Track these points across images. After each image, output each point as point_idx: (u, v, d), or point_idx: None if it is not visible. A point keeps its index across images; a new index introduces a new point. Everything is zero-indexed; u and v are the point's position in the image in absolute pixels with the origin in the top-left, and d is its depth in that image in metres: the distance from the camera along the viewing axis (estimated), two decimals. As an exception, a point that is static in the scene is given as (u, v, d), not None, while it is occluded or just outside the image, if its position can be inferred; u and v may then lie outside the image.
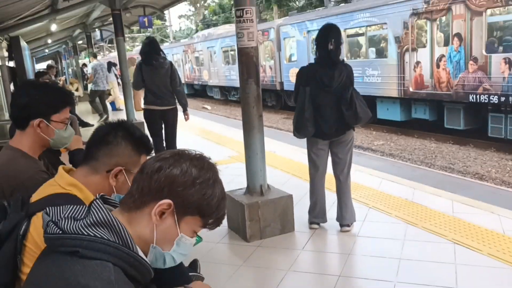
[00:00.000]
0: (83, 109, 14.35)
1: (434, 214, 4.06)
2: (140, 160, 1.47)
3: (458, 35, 9.40)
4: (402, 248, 3.46)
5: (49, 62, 29.01)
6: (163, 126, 5.75)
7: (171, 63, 5.73)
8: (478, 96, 9.06)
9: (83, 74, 20.93)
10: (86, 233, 1.00)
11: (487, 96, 8.89)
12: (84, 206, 1.11)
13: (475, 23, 9.01)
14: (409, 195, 4.63)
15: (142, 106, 5.90)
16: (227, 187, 3.42)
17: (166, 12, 34.75)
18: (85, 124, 10.16)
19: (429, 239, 3.60)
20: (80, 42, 20.45)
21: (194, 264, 1.79)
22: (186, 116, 5.99)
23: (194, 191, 1.08)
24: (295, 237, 3.85)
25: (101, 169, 1.46)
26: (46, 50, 25.38)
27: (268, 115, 15.23)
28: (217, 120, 13.09)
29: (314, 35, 13.22)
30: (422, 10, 10.13)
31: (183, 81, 25.99)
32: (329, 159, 3.90)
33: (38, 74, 10.21)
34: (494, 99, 8.76)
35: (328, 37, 3.62)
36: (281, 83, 16.02)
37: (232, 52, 19.19)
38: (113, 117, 10.95)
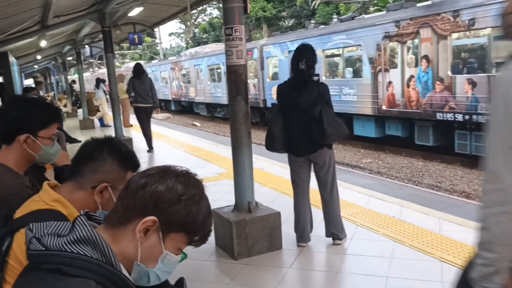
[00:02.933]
0: (71, 125, 14.27)
1: (422, 232, 4.07)
2: (127, 177, 1.46)
3: (426, 57, 10.01)
4: (389, 266, 3.46)
5: (39, 77, 28.88)
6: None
7: (150, 78, 9.64)
8: (444, 114, 9.64)
9: (72, 90, 20.88)
10: (69, 250, 0.98)
11: (452, 114, 9.46)
12: (68, 222, 1.10)
13: (441, 46, 9.63)
14: (396, 213, 4.64)
15: (135, 104, 9.26)
16: (215, 204, 3.42)
17: (156, 29, 34.94)
18: (72, 140, 10.08)
19: (416, 257, 3.61)
20: (69, 58, 20.42)
21: (180, 283, 1.76)
22: (157, 111, 9.96)
23: (179, 208, 1.07)
24: (282, 255, 3.83)
25: (87, 185, 1.45)
26: (35, 66, 25.28)
27: (257, 132, 15.27)
28: (206, 136, 13.09)
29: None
30: (394, 33, 10.75)
31: (170, 98, 27.11)
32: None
33: (26, 89, 10.15)
34: (459, 117, 9.33)
35: (300, 57, 3.71)
36: (264, 101, 16.74)
37: (218, 70, 19.86)
38: (101, 133, 10.90)
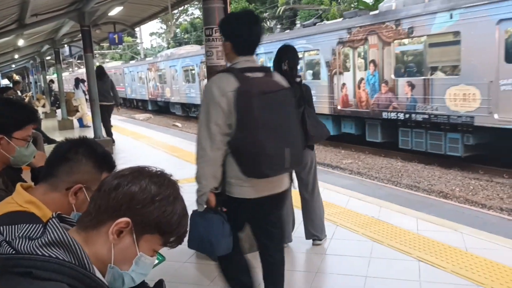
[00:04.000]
0: (49, 125, 14.04)
1: (400, 232, 4.13)
2: (102, 178, 1.44)
3: (373, 61, 11.10)
4: (368, 266, 3.49)
5: (13, 76, 28.35)
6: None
7: (111, 79, 10.95)
8: (389, 114, 10.75)
9: (51, 90, 20.55)
10: (40, 253, 0.96)
11: (396, 113, 10.59)
12: (40, 225, 1.08)
13: (386, 52, 10.69)
14: (375, 213, 4.69)
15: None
16: (195, 205, 3.36)
17: (137, 29, 34.64)
18: (51, 141, 9.92)
19: (394, 256, 3.65)
20: (48, 57, 20.09)
21: (159, 285, 1.75)
22: (118, 108, 11.47)
23: (153, 209, 1.06)
24: (263, 255, 3.82)
25: (61, 186, 1.43)
26: (13, 65, 24.81)
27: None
28: (187, 137, 13.02)
29: (262, 57, 15.01)
30: (346, 39, 11.83)
31: (147, 98, 27.71)
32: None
33: (3, 89, 9.95)
34: (401, 116, 10.42)
35: (282, 58, 3.71)
36: None
37: (192, 71, 20.90)
38: (80, 134, 10.76)
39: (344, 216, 4.66)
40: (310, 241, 3.94)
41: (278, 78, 2.48)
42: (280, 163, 2.30)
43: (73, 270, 0.97)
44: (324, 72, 12.75)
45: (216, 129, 2.27)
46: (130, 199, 1.05)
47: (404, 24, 10.05)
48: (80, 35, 9.64)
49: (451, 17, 9.02)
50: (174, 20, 48.24)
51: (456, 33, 8.97)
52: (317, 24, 14.12)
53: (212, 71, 3.75)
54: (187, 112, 22.50)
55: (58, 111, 17.01)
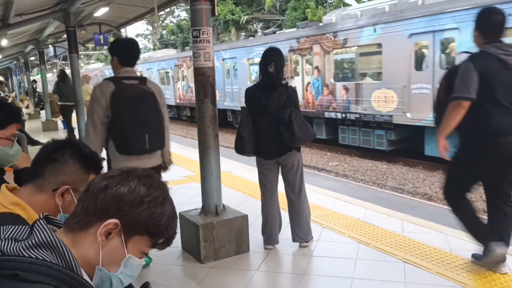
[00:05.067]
0: (33, 127, 13.85)
1: (385, 234, 4.16)
2: (89, 179, 1.43)
3: (317, 67, 12.66)
4: (354, 268, 3.51)
5: None
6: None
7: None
8: (330, 113, 12.25)
9: (34, 91, 20.28)
10: (27, 255, 0.95)
11: (335, 113, 12.11)
12: (27, 226, 1.06)
13: (327, 59, 12.28)
14: (361, 215, 4.72)
15: (58, 103, 11.57)
16: (181, 207, 3.37)
17: (123, 30, 34.32)
18: (34, 142, 9.77)
19: (380, 258, 3.68)
20: (32, 58, 19.82)
21: (145, 287, 1.74)
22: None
23: (142, 210, 1.05)
24: (250, 257, 3.83)
25: (47, 187, 1.41)
26: (-4, 66, 24.43)
27: (225, 135, 15.24)
28: (173, 139, 12.98)
29: (227, 62, 16.54)
30: (296, 47, 13.38)
31: None
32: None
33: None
34: (339, 115, 11.97)
35: (268, 60, 3.73)
36: None
37: (168, 74, 22.41)
38: (64, 135, 10.65)
39: (330, 218, 4.68)
40: (297, 243, 3.95)
41: (148, 85, 3.42)
42: (141, 145, 3.27)
43: (60, 273, 0.96)
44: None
45: (98, 119, 3.21)
46: (119, 200, 1.05)
47: (340, 35, 11.74)
48: (65, 35, 9.54)
49: (374, 31, 10.65)
50: (160, 22, 48.01)
51: (379, 45, 10.58)
52: (277, 32, 15.94)
53: (199, 73, 3.74)
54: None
55: (42, 112, 16.78)
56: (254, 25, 32.74)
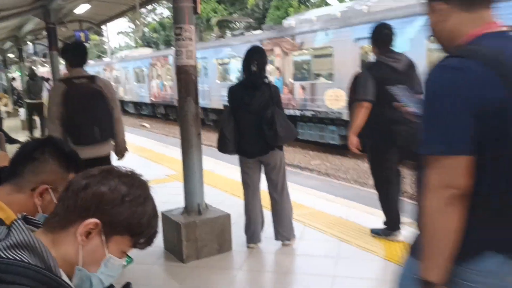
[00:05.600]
0: (11, 125, 13.59)
1: (367, 232, 4.20)
2: (69, 178, 1.40)
3: (278, 68, 13.60)
4: (336, 266, 3.54)
5: None
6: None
7: (41, 80, 12.09)
8: (290, 111, 12.81)
9: (13, 89, 19.90)
10: (4, 256, 0.93)
11: (293, 110, 12.96)
12: (4, 226, 1.04)
13: (286, 60, 13.28)
14: (343, 213, 4.76)
15: (27, 100, 11.90)
16: (164, 207, 3.34)
17: (104, 27, 34.08)
18: (13, 141, 9.59)
19: (362, 256, 3.71)
20: (11, 55, 19.43)
21: None
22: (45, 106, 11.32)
23: (123, 209, 1.04)
24: (232, 256, 3.83)
25: (26, 187, 1.39)
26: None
27: (207, 134, 15.19)
28: (155, 138, 12.87)
29: (199, 62, 16.85)
30: None
31: None
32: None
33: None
34: (298, 113, 12.89)
35: (251, 59, 3.75)
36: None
37: (143, 73, 23.14)
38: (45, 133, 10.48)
39: (312, 216, 4.71)
40: (279, 241, 3.96)
41: (98, 82, 3.79)
42: (91, 137, 3.66)
43: (38, 274, 0.94)
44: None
45: (54, 114, 3.65)
46: (100, 199, 1.03)
47: (297, 38, 12.81)
48: (45, 32, 9.38)
49: (327, 35, 11.71)
50: (142, 19, 47.57)
51: (330, 48, 11.61)
52: (245, 34, 16.84)
53: (182, 71, 3.72)
54: (139, 110, 24.66)
55: (21, 110, 16.48)
56: (238, 23, 32.68)
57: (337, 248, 3.88)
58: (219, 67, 16.87)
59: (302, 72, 13.27)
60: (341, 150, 11.66)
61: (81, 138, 3.62)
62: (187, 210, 3.86)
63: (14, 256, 0.94)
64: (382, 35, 3.88)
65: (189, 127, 3.78)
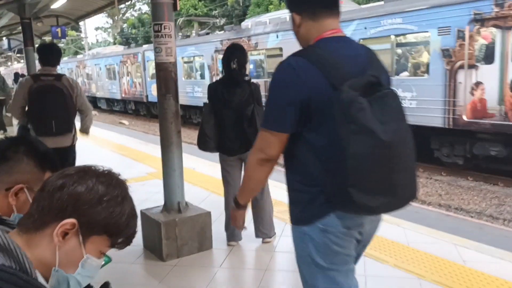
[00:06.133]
0: (-15, 122, 13.26)
1: (346, 228, 4.23)
2: (44, 177, 1.37)
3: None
4: (316, 262, 3.56)
5: None
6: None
7: (2, 76, 12.27)
8: None
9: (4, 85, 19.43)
10: (-23, 258, 0.91)
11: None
12: (-23, 227, 1.02)
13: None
14: (323, 210, 4.79)
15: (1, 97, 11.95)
16: (143, 205, 3.32)
17: (81, 23, 33.59)
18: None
19: (341, 252, 3.74)
20: (-16, 50, 18.96)
21: (105, 287, 1.70)
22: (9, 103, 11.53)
23: (100, 209, 1.03)
24: (212, 254, 3.82)
25: (0, 187, 1.35)
26: None
27: (188, 131, 15.11)
28: (135, 135, 12.74)
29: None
30: (220, 48, 14.92)
31: None
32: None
33: None
34: None
35: (231, 56, 3.73)
36: (147, 96, 20.69)
37: (114, 70, 24.01)
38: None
39: (292, 213, 4.72)
40: (260, 239, 3.96)
41: (63, 81, 4.18)
42: (48, 129, 4.04)
43: (13, 276, 0.92)
44: (207, 73, 16.21)
45: (17, 103, 4.19)
46: (76, 199, 1.02)
47: (253, 39, 13.93)
48: (20, 27, 9.18)
49: (277, 37, 12.80)
50: (121, 15, 46.99)
51: (280, 49, 12.54)
52: (209, 34, 18.45)
53: (161, 68, 3.68)
54: (111, 106, 25.64)
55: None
56: (218, 20, 32.54)
57: (317, 244, 3.90)
58: (184, 65, 17.77)
59: (258, 70, 14.53)
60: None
61: (39, 129, 4.07)
62: (167, 208, 3.83)
63: None
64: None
65: (168, 124, 3.75)
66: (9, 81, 30.09)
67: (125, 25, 45.46)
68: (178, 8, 3.70)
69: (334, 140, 1.52)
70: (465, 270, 3.35)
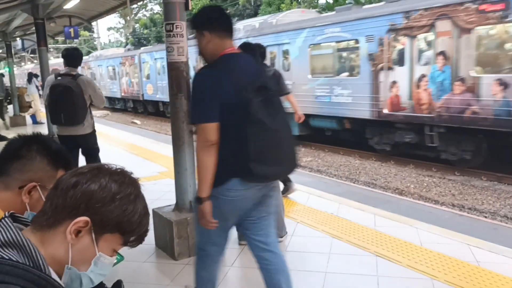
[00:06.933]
0: (0, 121, 13.45)
1: (358, 228, 4.22)
2: (57, 176, 1.38)
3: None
4: (327, 262, 3.55)
5: None
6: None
7: (31, 73, 13.78)
8: None
9: (2, 85, 19.65)
10: (-8, 255, 0.92)
11: None
12: (-9, 225, 1.02)
13: None
14: (334, 209, 4.77)
15: None
16: (155, 204, 3.33)
17: (94, 23, 33.92)
18: (1, 138, 9.52)
19: (353, 252, 3.72)
20: (-1, 50, 19.23)
21: (117, 285, 1.71)
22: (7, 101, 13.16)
23: (113, 207, 1.03)
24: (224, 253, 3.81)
25: (13, 185, 1.36)
26: (-40, 58, 23.55)
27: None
28: (147, 135, 12.81)
29: (158, 61, 19.66)
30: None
31: None
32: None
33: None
34: None
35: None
36: (143, 95, 22.33)
37: (114, 70, 25.65)
38: (33, 130, 10.40)
39: (304, 213, 4.71)
40: (271, 238, 3.95)
41: (77, 81, 4.67)
42: (58, 120, 4.74)
43: (27, 272, 0.93)
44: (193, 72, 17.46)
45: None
46: (89, 197, 1.02)
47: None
48: (34, 28, 9.28)
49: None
50: (133, 15, 47.28)
51: None
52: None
53: (173, 68, 3.69)
54: (113, 104, 27.21)
55: (10, 107, 16.32)
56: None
57: (329, 244, 3.89)
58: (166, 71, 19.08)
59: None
60: (333, 147, 11.71)
61: (52, 119, 4.89)
62: (178, 207, 3.84)
63: (2, 255, 0.92)
64: (261, 53, 4.40)
65: (180, 124, 3.75)
66: (21, 81, 31.14)
67: (137, 25, 45.74)
68: (190, 8, 3.70)
69: (240, 129, 2.08)
70: (479, 271, 3.31)
